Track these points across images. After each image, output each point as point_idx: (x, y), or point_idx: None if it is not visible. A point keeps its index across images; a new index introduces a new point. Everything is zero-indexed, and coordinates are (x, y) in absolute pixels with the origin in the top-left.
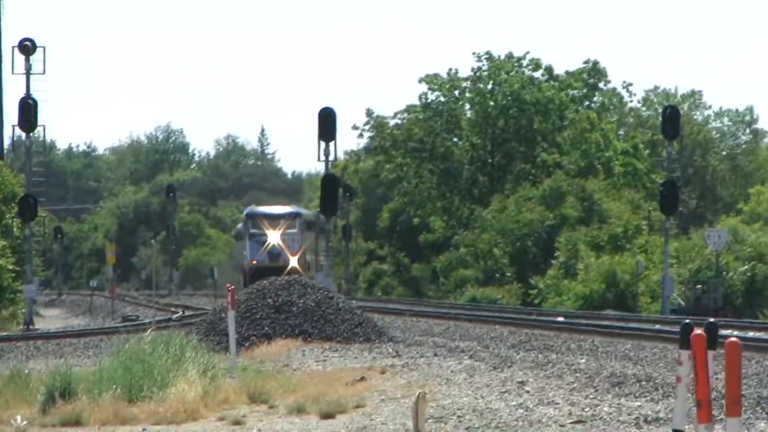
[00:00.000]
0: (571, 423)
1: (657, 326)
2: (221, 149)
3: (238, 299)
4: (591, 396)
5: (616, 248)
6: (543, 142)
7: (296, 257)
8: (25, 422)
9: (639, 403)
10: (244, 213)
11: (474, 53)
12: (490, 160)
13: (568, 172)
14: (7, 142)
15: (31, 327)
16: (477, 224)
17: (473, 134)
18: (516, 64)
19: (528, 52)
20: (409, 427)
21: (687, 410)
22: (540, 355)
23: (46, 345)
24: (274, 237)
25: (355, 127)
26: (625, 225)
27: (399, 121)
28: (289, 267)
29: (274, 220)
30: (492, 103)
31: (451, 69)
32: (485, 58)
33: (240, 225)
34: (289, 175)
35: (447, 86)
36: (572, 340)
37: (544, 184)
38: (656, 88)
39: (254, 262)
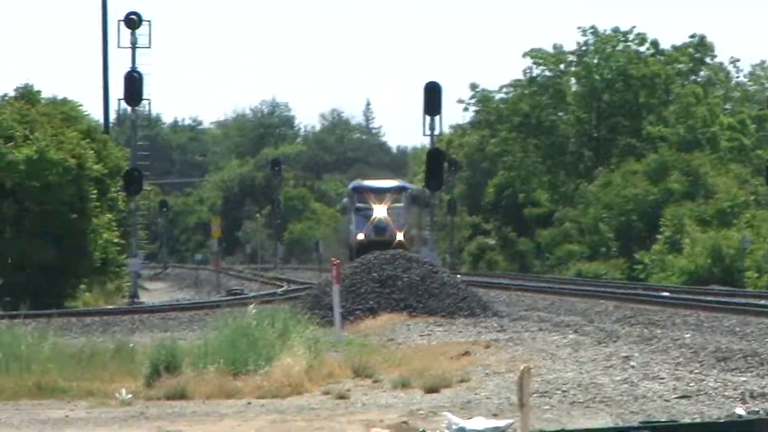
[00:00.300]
0: (675, 398)
1: (763, 301)
2: (326, 123)
3: (343, 273)
4: (696, 371)
5: (722, 223)
6: (649, 116)
7: (402, 231)
8: (130, 395)
9: (744, 378)
10: (350, 187)
11: (579, 27)
12: (595, 135)
13: (673, 145)
14: (112, 115)
15: (136, 300)
16: (582, 199)
17: (579, 109)
18: (622, 39)
19: (634, 27)
20: (513, 401)
21: None
22: (645, 330)
23: (150, 318)
24: (380, 211)
25: (460, 101)
26: (733, 200)
27: (504, 96)
28: (395, 241)
29: (380, 194)
30: (598, 78)
31: (556, 44)
32: (590, 33)
33: (345, 199)
34: (394, 150)
35: (552, 60)
36: (677, 315)
37: (649, 159)
38: (763, 62)
39: (360, 236)
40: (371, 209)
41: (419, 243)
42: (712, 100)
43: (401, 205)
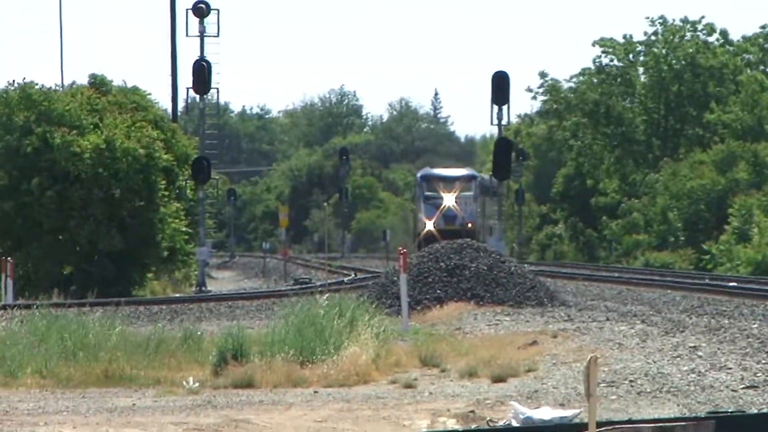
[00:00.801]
0: (743, 388)
1: None
2: (394, 112)
3: (410, 262)
4: (764, 361)
5: None
6: (716, 106)
7: (472, 221)
8: (197, 384)
9: None
10: (419, 175)
11: (647, 17)
12: (663, 125)
13: (735, 132)
14: (181, 104)
15: (203, 289)
16: (649, 189)
17: (647, 98)
18: (690, 29)
19: (703, 17)
20: (580, 391)
21: None
22: (712, 320)
23: (218, 307)
24: (449, 199)
25: (528, 90)
26: None
27: (573, 85)
28: (465, 230)
29: (449, 182)
30: (666, 68)
31: (626, 34)
32: (659, 23)
33: (416, 188)
34: (462, 139)
35: (622, 50)
36: (745, 306)
37: (716, 149)
38: None
39: (429, 225)
40: (441, 198)
41: (487, 232)
42: None
43: (471, 193)
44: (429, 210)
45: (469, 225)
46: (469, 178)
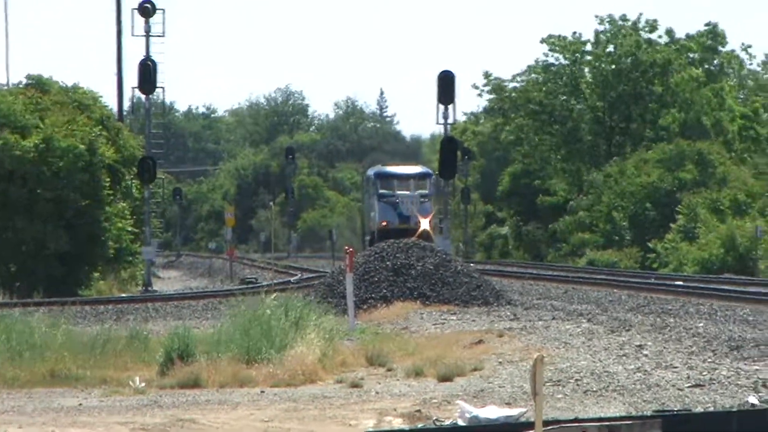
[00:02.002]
0: (689, 387)
1: None
2: (340, 112)
3: (356, 262)
4: (709, 360)
5: (736, 212)
6: (657, 104)
7: (428, 219)
8: (143, 384)
9: (757, 367)
10: (372, 173)
11: (596, 16)
12: (608, 123)
13: (674, 132)
14: (126, 104)
15: (149, 288)
16: (595, 188)
17: (592, 97)
18: (631, 27)
19: (641, 14)
20: (526, 390)
21: None
22: (658, 319)
23: (164, 307)
24: (404, 197)
25: (474, 87)
26: (748, 190)
27: (518, 84)
28: (420, 230)
29: (404, 180)
30: (612, 67)
31: (575, 32)
32: (607, 21)
33: (370, 186)
34: (408, 138)
35: (569, 48)
36: (690, 304)
37: (663, 147)
38: None
39: (384, 223)
40: (395, 196)
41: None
42: (718, 86)
43: (426, 191)
44: (383, 208)
45: (426, 224)
46: (424, 176)
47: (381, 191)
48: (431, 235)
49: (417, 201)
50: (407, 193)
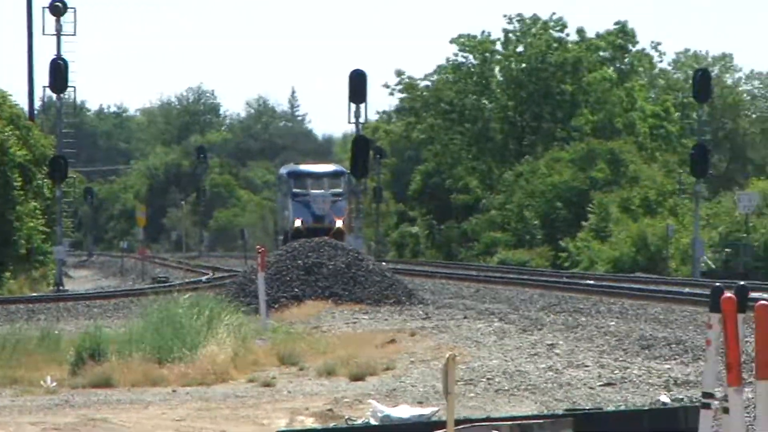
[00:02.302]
0: (600, 385)
1: (687, 289)
2: (252, 111)
3: (268, 261)
4: (621, 359)
5: (647, 211)
6: (568, 103)
7: (342, 218)
8: (55, 383)
9: (669, 366)
10: (285, 172)
11: (505, 15)
12: (519, 122)
13: (585, 132)
14: (38, 103)
15: (61, 288)
16: (506, 187)
17: (503, 96)
18: (542, 27)
19: (554, 13)
20: (438, 389)
21: (717, 373)
22: (570, 318)
23: (76, 306)
24: (318, 196)
25: (386, 86)
26: (659, 188)
27: (429, 83)
28: (334, 228)
29: (318, 178)
30: (522, 66)
31: (484, 31)
32: (516, 20)
33: (283, 185)
34: (320, 137)
35: (479, 48)
36: (602, 303)
37: (576, 146)
38: (687, 50)
39: (297, 223)
40: (309, 195)
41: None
42: (629, 86)
43: (341, 190)
44: (297, 207)
45: (340, 223)
46: (338, 174)
47: (294, 190)
48: (344, 235)
49: (330, 200)
50: (321, 192)
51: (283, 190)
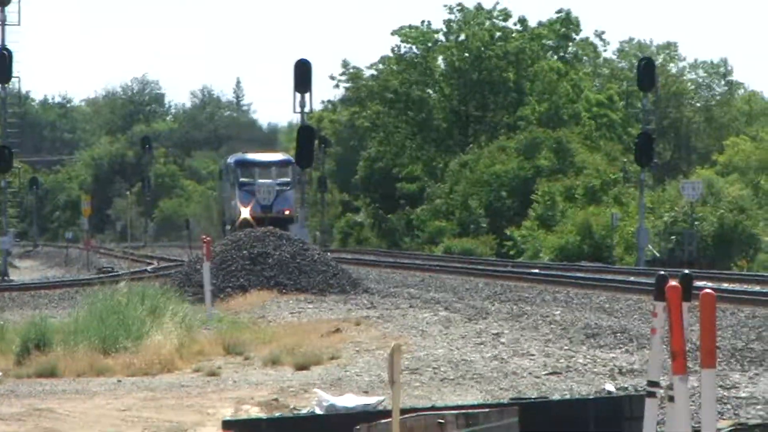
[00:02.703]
0: (546, 374)
1: (632, 278)
2: (197, 101)
3: (213, 251)
4: (566, 347)
5: (592, 200)
6: (513, 93)
7: (290, 207)
8: (0, 373)
9: (614, 355)
10: (232, 160)
11: (445, 5)
12: (464, 112)
13: (531, 121)
14: None
15: (6, 278)
16: (450, 176)
17: (446, 86)
18: (487, 16)
19: (498, 3)
20: (384, 378)
21: (662, 362)
22: (515, 307)
23: (21, 296)
24: (266, 185)
25: (332, 78)
26: (602, 177)
27: (375, 73)
28: (282, 218)
29: (265, 167)
30: (465, 55)
31: (424, 21)
32: (457, 10)
33: (229, 174)
34: (265, 127)
35: (420, 39)
36: (547, 292)
37: (520, 135)
38: (631, 39)
39: (245, 213)
40: (257, 184)
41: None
42: (575, 76)
43: (288, 179)
44: (245, 197)
45: (287, 212)
46: (286, 163)
47: (242, 179)
48: (285, 227)
49: (278, 189)
50: (269, 181)
51: (230, 180)
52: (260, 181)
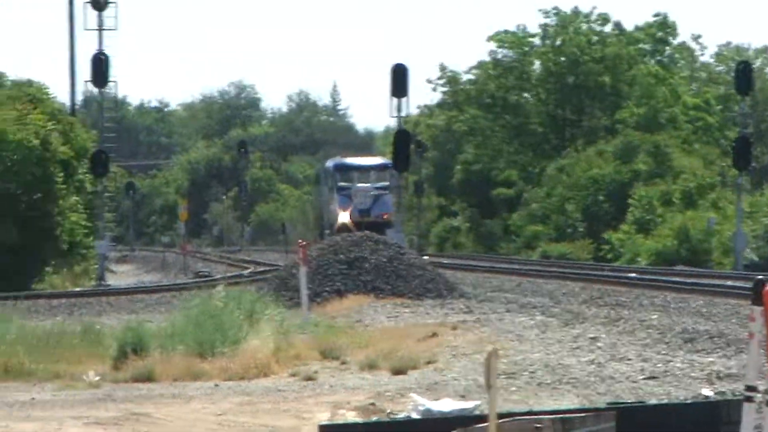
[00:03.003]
0: (643, 379)
1: (729, 282)
2: (293, 105)
3: (310, 255)
4: (663, 352)
5: (689, 204)
6: (611, 97)
7: (388, 212)
8: (97, 377)
9: (711, 359)
10: (331, 164)
11: (540, 9)
12: (561, 115)
13: (629, 125)
14: (79, 98)
15: (103, 283)
16: (548, 180)
17: (542, 90)
18: (584, 19)
19: (595, 7)
20: (480, 382)
21: (760, 366)
22: (612, 311)
23: (118, 301)
24: (365, 190)
25: (429, 81)
26: (700, 180)
27: (472, 77)
28: (382, 222)
29: (364, 171)
30: (561, 59)
31: (519, 25)
32: (553, 14)
33: (328, 178)
34: (361, 131)
35: (517, 43)
36: (644, 296)
37: (616, 140)
38: (728, 43)
39: (344, 217)
40: (356, 188)
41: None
42: (673, 80)
43: (386, 183)
44: (343, 201)
45: (385, 216)
46: (384, 167)
47: (340, 184)
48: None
49: (377, 193)
50: (367, 185)
51: (328, 184)
52: (358, 185)
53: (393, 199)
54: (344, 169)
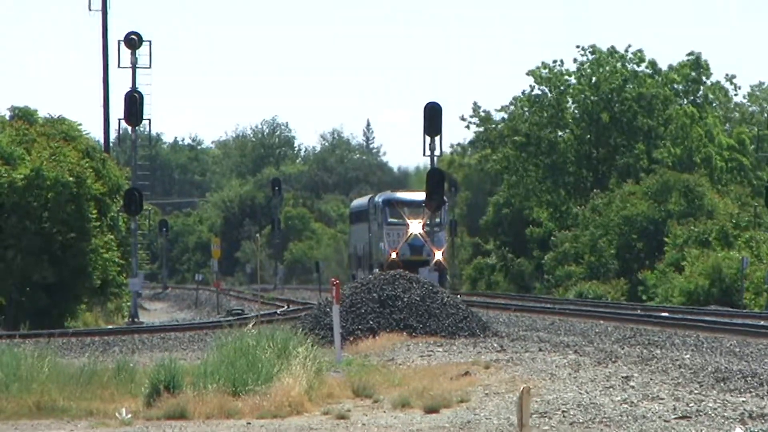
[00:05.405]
0: (675, 418)
1: (762, 322)
2: (326, 143)
3: (343, 293)
4: (696, 391)
5: (722, 244)
6: (646, 138)
7: (441, 250)
8: (130, 415)
9: (744, 399)
10: (380, 199)
11: (578, 46)
12: (594, 154)
13: (666, 165)
14: (113, 135)
15: (136, 320)
16: (580, 220)
17: (577, 128)
18: (620, 58)
19: (630, 45)
20: (513, 421)
21: None
22: (644, 351)
23: (151, 338)
24: (416, 227)
25: (462, 119)
26: (735, 220)
27: (505, 115)
28: (434, 261)
29: (415, 207)
30: (595, 98)
31: (555, 61)
32: (590, 52)
33: (378, 213)
34: (395, 170)
35: (552, 81)
36: (677, 336)
37: (650, 179)
38: (761, 83)
39: (393, 254)
40: (406, 224)
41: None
42: (708, 120)
43: (438, 220)
44: (392, 238)
45: (439, 255)
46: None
47: (390, 219)
48: (444, 267)
49: (429, 230)
50: (418, 221)
51: (377, 219)
52: (410, 221)
53: (446, 237)
54: (395, 204)
